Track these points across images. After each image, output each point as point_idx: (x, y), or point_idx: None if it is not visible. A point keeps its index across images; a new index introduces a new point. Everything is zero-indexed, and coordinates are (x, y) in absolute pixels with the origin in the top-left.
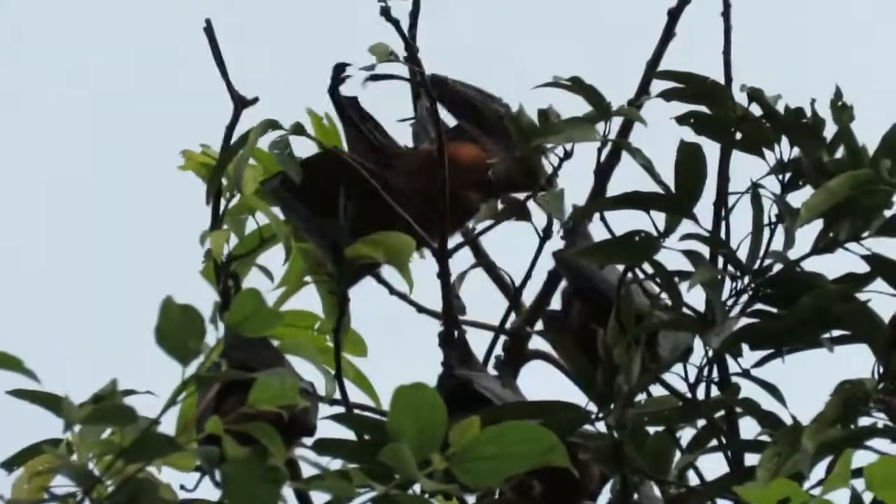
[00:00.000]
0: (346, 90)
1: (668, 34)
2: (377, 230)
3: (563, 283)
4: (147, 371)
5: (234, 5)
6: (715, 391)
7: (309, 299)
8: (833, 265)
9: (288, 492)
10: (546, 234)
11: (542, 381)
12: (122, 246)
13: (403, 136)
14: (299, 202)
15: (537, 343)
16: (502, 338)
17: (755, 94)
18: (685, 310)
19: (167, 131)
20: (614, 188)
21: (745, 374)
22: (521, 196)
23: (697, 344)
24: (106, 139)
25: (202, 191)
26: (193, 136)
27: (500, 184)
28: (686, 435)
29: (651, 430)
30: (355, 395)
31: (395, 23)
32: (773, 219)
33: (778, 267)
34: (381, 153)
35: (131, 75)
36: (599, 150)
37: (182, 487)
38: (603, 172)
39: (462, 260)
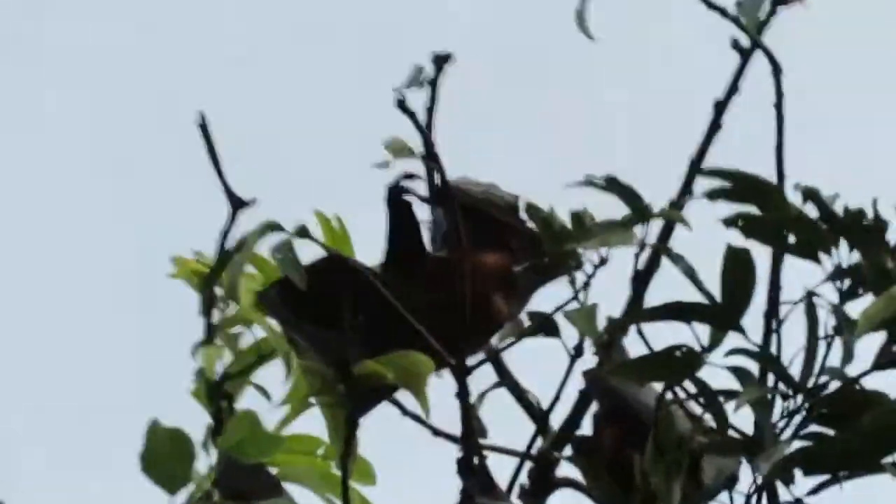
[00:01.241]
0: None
1: (713, 127)
2: (390, 347)
3: (595, 405)
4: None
5: (226, 86)
6: None
7: (310, 422)
8: None
9: None
10: (577, 352)
11: None
12: (103, 361)
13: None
14: (299, 315)
15: (566, 470)
16: (527, 464)
17: (810, 194)
18: (731, 432)
19: (154, 236)
20: (653, 298)
21: (798, 502)
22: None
23: (745, 470)
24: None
25: (194, 301)
26: (185, 241)
27: (526, 281)
28: None
29: None
30: None
31: (412, 115)
32: (830, 331)
33: (835, 384)
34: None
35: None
36: (637, 256)
37: None
38: (641, 281)
39: (483, 379)
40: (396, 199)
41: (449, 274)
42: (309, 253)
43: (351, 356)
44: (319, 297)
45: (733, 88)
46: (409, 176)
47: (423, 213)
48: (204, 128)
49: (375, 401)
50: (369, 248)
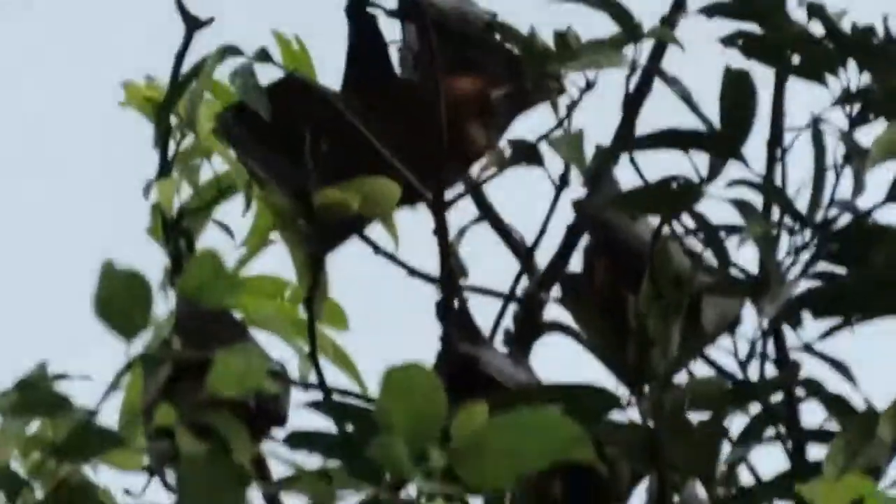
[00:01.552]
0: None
1: None
2: (356, 176)
3: (585, 240)
4: (83, 351)
5: None
6: (771, 370)
7: (277, 262)
8: None
9: (255, 495)
10: (563, 182)
11: (561, 359)
12: (50, 198)
13: None
14: (257, 142)
15: (554, 312)
16: (512, 306)
17: (815, 10)
18: (734, 271)
19: (102, 58)
20: (646, 125)
21: (808, 348)
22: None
23: (749, 313)
24: (27, 64)
25: (148, 131)
26: (136, 64)
27: (505, 107)
28: (736, 424)
29: (694, 417)
30: (335, 377)
31: None
32: (839, 160)
33: (845, 218)
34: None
35: None
36: (628, 79)
37: (126, 492)
38: (632, 105)
39: (463, 214)
40: (359, 11)
41: (420, 99)
42: (269, 78)
43: (311, 185)
44: (278, 123)
45: None
46: None
47: (391, 32)
48: None
49: (342, 235)
50: (334, 76)
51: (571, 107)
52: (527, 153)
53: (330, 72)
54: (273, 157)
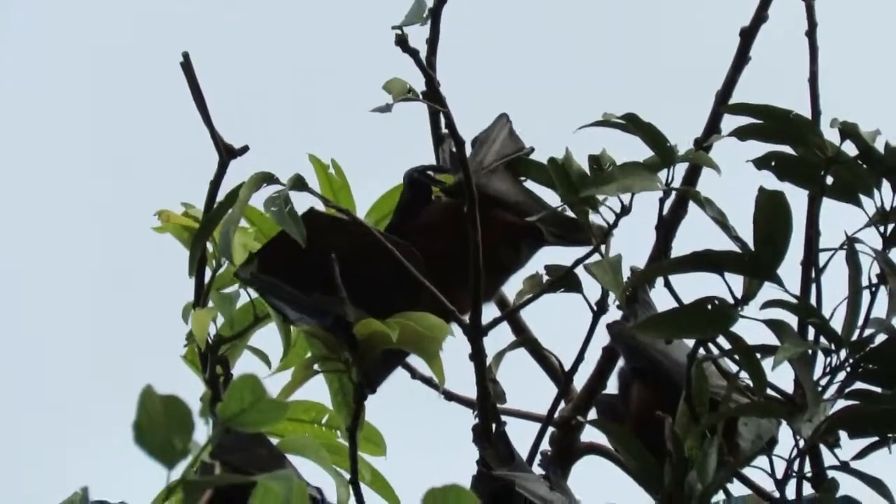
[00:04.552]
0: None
1: (741, 59)
2: (395, 306)
3: (621, 363)
4: (124, 476)
5: (218, 33)
6: (808, 489)
7: (311, 388)
8: None
9: None
10: (600, 308)
11: (598, 481)
12: (91, 322)
13: None
14: (285, 282)
15: (591, 435)
16: (549, 430)
17: (849, 130)
18: (770, 392)
19: (141, 187)
20: (680, 247)
21: (844, 467)
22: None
23: (785, 432)
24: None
25: (184, 258)
26: (174, 192)
27: (545, 234)
28: None
29: None
30: (374, 501)
31: (414, 54)
32: (874, 279)
33: (881, 337)
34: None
35: (93, 121)
36: (662, 202)
37: None
38: (666, 228)
39: (500, 337)
40: (415, 182)
41: (454, 221)
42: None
43: (349, 315)
44: (304, 257)
45: (761, 15)
46: (429, 168)
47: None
48: (188, 68)
49: (388, 368)
50: (366, 192)
51: (607, 231)
52: (564, 279)
53: (364, 190)
54: (302, 294)
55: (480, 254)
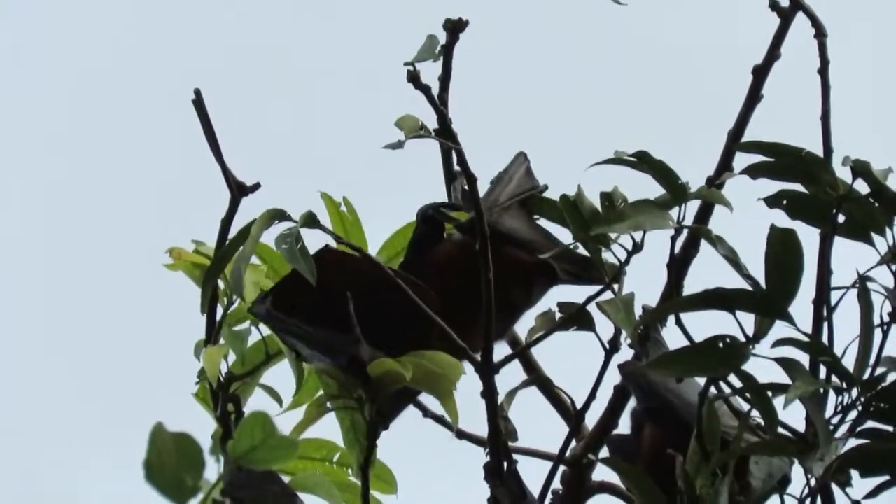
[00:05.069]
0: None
1: (753, 97)
2: (406, 344)
3: (633, 402)
4: None
5: (229, 70)
6: None
7: (322, 426)
8: None
9: None
10: (612, 346)
11: None
12: (102, 359)
13: None
14: (299, 319)
15: (602, 474)
16: (561, 468)
17: (860, 169)
18: (781, 431)
19: (151, 224)
20: (692, 285)
21: None
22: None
23: (797, 472)
24: (77, 229)
25: (195, 296)
26: (185, 230)
27: (558, 272)
28: None
29: None
30: None
31: (426, 91)
32: (886, 318)
33: (893, 376)
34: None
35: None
36: (673, 240)
37: None
38: (678, 266)
39: (512, 375)
40: (429, 219)
41: (465, 259)
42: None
43: (363, 354)
44: (317, 295)
45: (773, 54)
46: (443, 205)
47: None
48: (199, 105)
49: (400, 405)
50: (378, 229)
51: (619, 269)
52: (576, 316)
53: (376, 227)
54: (314, 332)
55: (493, 290)
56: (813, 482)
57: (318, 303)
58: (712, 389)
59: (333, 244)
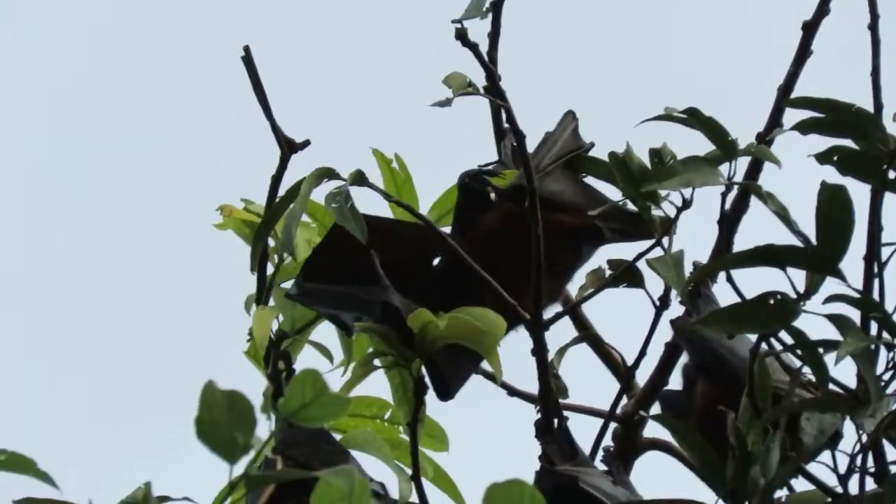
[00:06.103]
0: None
1: (803, 52)
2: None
3: (684, 359)
4: (186, 471)
5: (279, 27)
6: (871, 484)
7: (373, 383)
8: None
9: None
10: (662, 303)
11: (661, 476)
12: (152, 320)
13: None
14: (334, 283)
15: (653, 430)
16: (612, 425)
17: None
18: (832, 387)
19: (200, 181)
20: (742, 242)
21: None
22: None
23: (848, 428)
24: (127, 188)
25: (245, 254)
26: (233, 187)
27: (607, 231)
28: None
29: None
30: (436, 496)
31: (474, 48)
32: None
33: None
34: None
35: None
36: (724, 196)
37: None
38: (729, 223)
39: (562, 333)
40: (470, 188)
41: (514, 222)
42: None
43: (394, 302)
44: (352, 263)
45: (823, 9)
46: (483, 170)
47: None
48: (249, 62)
49: (465, 375)
50: (428, 188)
51: (669, 226)
52: (626, 274)
53: (426, 185)
54: (346, 290)
55: (542, 246)
56: (864, 438)
57: (349, 271)
58: (763, 346)
59: (384, 203)
